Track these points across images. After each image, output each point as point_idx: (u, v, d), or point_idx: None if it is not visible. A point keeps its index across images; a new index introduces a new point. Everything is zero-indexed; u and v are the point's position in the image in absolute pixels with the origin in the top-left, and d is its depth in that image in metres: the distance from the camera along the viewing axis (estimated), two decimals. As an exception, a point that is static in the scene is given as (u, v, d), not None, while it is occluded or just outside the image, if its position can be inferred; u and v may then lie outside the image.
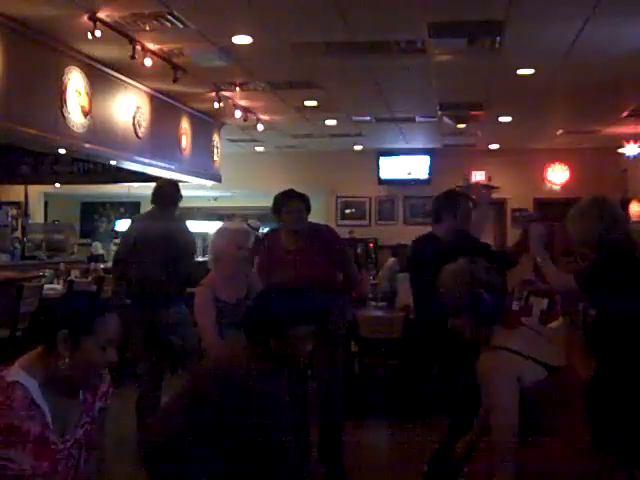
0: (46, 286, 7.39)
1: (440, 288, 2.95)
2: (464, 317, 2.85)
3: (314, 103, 9.55)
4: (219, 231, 4.15)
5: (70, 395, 2.11)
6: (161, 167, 9.21)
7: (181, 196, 5.51)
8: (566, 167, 13.72)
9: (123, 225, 13.36)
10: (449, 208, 4.26)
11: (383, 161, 14.07)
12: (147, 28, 6.34)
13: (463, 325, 2.86)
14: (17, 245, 10.29)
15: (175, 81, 7.60)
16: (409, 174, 13.99)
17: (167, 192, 5.46)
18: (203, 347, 4.03)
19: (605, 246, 3.55)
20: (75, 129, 6.98)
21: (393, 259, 8.69)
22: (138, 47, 6.65)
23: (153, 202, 5.44)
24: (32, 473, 1.97)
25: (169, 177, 9.99)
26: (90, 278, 8.15)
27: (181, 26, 6.29)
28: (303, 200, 4.52)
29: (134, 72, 7.76)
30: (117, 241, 8.47)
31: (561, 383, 2.71)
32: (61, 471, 2.07)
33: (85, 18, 5.97)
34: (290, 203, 4.47)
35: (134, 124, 8.37)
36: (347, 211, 14.42)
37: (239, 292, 3.98)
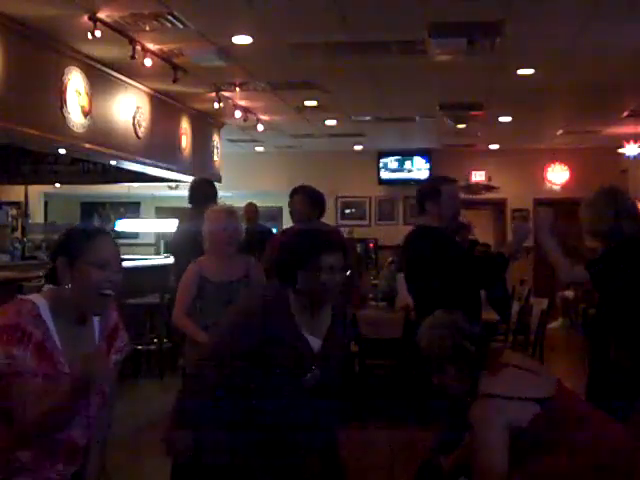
0: (46, 286, 7.38)
1: (420, 343, 2.87)
2: (447, 371, 2.80)
3: (314, 103, 9.55)
4: (207, 214, 4.25)
5: (79, 321, 2.21)
6: (161, 167, 9.21)
7: (215, 193, 5.48)
8: (566, 167, 13.72)
9: (123, 225, 13.38)
10: (432, 197, 4.15)
11: (383, 161, 14.07)
12: (147, 28, 6.34)
13: (447, 380, 2.81)
14: (17, 245, 10.28)
15: (175, 81, 7.60)
16: (409, 174, 13.99)
17: (199, 190, 5.42)
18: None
19: (616, 237, 3.55)
20: (75, 129, 6.97)
21: (393, 259, 8.68)
22: (138, 47, 6.65)
23: (189, 201, 5.43)
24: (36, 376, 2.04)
25: (170, 177, 10.02)
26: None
27: (181, 26, 6.29)
28: (309, 195, 4.64)
29: (134, 72, 7.76)
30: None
31: (553, 416, 2.66)
32: None
33: (85, 18, 5.96)
34: (293, 198, 4.58)
35: (134, 124, 8.37)
36: (347, 211, 14.42)
37: (229, 273, 4.06)
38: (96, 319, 2.25)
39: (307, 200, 4.80)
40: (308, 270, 2.62)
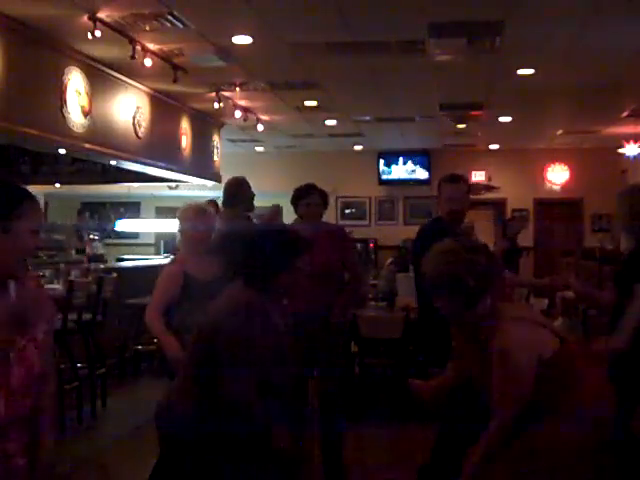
0: (46, 286, 7.39)
1: (424, 266, 2.76)
2: (444, 298, 2.69)
3: (314, 103, 9.55)
4: (178, 212, 4.24)
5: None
6: (161, 167, 9.21)
7: (247, 193, 5.26)
8: (566, 167, 13.72)
9: (123, 225, 13.38)
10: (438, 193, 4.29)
11: (383, 161, 14.08)
12: (147, 28, 6.34)
13: (443, 307, 2.71)
14: (17, 245, 10.25)
15: (175, 81, 7.60)
16: (409, 174, 14.00)
17: (230, 191, 5.31)
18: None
19: None
20: (75, 129, 6.97)
21: (392, 259, 8.69)
22: (138, 47, 6.65)
23: (223, 204, 5.33)
24: None
25: (170, 177, 10.03)
26: (90, 278, 8.14)
27: (181, 26, 6.29)
28: (321, 195, 4.60)
29: (134, 72, 7.76)
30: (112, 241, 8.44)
31: (572, 355, 2.67)
32: None
33: (85, 18, 5.96)
34: (310, 197, 4.54)
35: (134, 124, 8.37)
36: (347, 211, 14.43)
37: (212, 271, 4.00)
38: (11, 286, 2.15)
39: (322, 199, 4.76)
40: (290, 272, 2.71)
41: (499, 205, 13.83)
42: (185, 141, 9.94)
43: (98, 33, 5.99)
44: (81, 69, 7.07)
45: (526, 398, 2.57)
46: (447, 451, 3.81)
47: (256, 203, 5.24)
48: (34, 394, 2.15)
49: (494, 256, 3.39)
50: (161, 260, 9.50)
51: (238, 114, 9.56)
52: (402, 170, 14.05)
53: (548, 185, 13.79)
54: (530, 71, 7.80)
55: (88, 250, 11.36)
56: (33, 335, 2.14)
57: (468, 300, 2.65)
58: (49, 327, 2.23)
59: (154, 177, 9.69)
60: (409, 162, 14.04)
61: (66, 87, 6.80)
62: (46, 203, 13.64)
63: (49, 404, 2.27)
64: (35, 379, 2.14)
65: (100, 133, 7.51)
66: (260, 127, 10.54)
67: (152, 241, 14.06)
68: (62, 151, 7.65)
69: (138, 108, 8.46)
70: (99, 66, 7.43)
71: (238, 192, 5.25)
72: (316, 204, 4.57)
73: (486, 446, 2.62)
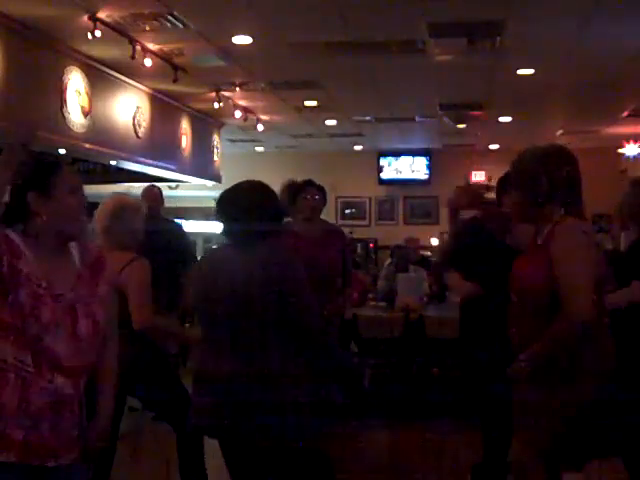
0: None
1: (519, 156, 2.97)
2: (513, 195, 2.89)
3: (314, 103, 9.55)
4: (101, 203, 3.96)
5: (57, 251, 2.26)
6: (161, 167, 9.21)
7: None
8: (566, 167, 13.70)
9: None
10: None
11: (383, 161, 14.07)
12: (147, 28, 6.34)
13: (510, 203, 2.90)
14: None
15: (175, 81, 7.60)
16: (409, 174, 13.99)
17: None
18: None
19: None
20: (75, 129, 6.98)
21: (391, 260, 8.68)
22: (138, 47, 6.65)
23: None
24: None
25: (170, 177, 10.03)
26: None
27: (181, 26, 6.29)
28: (321, 190, 4.56)
29: (134, 72, 7.76)
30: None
31: None
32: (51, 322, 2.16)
33: (85, 18, 5.96)
34: (309, 191, 4.49)
35: (134, 124, 8.37)
36: (347, 211, 14.42)
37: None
38: (75, 250, 2.32)
39: (322, 195, 4.70)
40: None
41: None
42: (185, 141, 9.94)
43: (98, 33, 5.99)
44: (81, 69, 7.07)
45: (593, 282, 2.60)
46: (497, 448, 3.82)
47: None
48: (98, 350, 2.31)
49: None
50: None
51: (238, 114, 9.56)
52: (402, 170, 14.04)
53: (548, 185, 13.78)
54: (530, 71, 7.79)
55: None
56: (96, 292, 2.30)
57: (536, 199, 2.76)
58: (109, 288, 2.41)
59: (154, 177, 9.69)
60: (409, 162, 14.04)
61: (66, 87, 6.80)
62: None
63: (111, 369, 2.44)
64: (99, 334, 2.29)
65: (100, 133, 7.51)
66: (260, 127, 10.53)
67: (152, 241, 14.03)
68: (62, 151, 7.64)
69: (138, 108, 8.46)
70: (99, 66, 7.43)
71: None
72: (316, 198, 4.53)
73: (556, 333, 2.58)
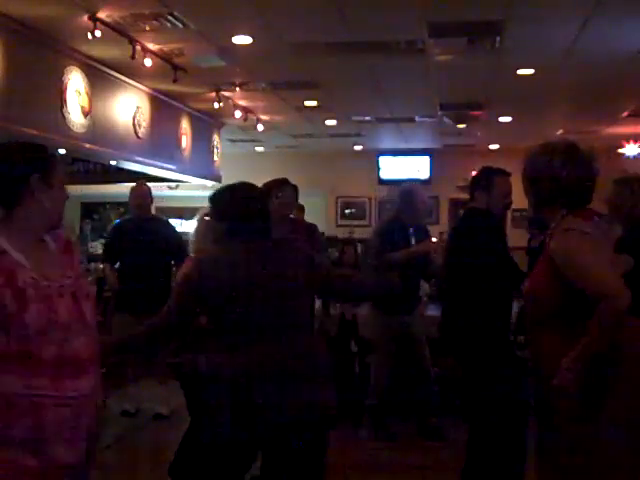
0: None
1: (529, 156, 2.87)
2: (529, 195, 2.83)
3: (314, 103, 9.55)
4: None
5: (38, 238, 2.27)
6: (161, 167, 9.21)
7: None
8: (566, 167, 13.70)
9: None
10: (483, 186, 4.19)
11: (383, 161, 14.07)
12: (147, 28, 6.34)
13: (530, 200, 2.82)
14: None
15: (175, 81, 7.60)
16: (409, 174, 13.99)
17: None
18: None
19: (629, 220, 3.80)
20: (75, 129, 6.97)
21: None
22: (138, 47, 6.65)
23: None
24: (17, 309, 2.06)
25: (170, 177, 10.02)
26: (90, 278, 8.14)
27: (181, 26, 6.28)
28: (295, 189, 4.59)
29: (134, 72, 7.76)
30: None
31: None
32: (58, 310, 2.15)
33: (85, 18, 5.96)
34: (284, 189, 4.50)
35: (134, 124, 8.37)
36: (347, 211, 14.42)
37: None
38: (46, 237, 2.32)
39: (295, 195, 4.73)
40: None
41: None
42: (185, 141, 9.94)
43: (98, 33, 5.99)
44: (81, 69, 7.07)
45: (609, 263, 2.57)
46: (482, 451, 3.82)
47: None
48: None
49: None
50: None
51: (238, 114, 9.56)
52: (402, 170, 14.04)
53: (548, 185, 13.79)
54: (530, 71, 7.79)
55: (88, 250, 11.37)
56: (78, 274, 2.32)
57: (539, 200, 2.77)
58: (81, 273, 2.40)
59: (154, 177, 9.69)
60: (409, 162, 14.04)
61: (66, 87, 6.80)
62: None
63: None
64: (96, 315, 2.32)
65: (100, 133, 7.51)
66: (260, 127, 10.53)
67: (152, 241, 14.03)
68: (62, 151, 7.63)
69: (138, 108, 8.46)
70: (99, 66, 7.43)
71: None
72: (291, 196, 4.54)
73: (603, 321, 2.47)
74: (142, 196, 6.14)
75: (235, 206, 2.89)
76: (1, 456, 2.05)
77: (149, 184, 6.41)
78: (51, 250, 2.29)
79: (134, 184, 6.34)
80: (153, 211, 6.78)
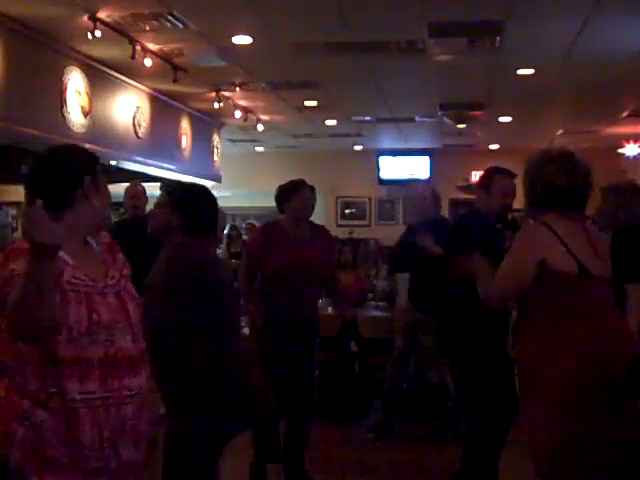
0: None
1: (529, 162, 3.08)
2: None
3: (314, 103, 9.55)
4: None
5: (84, 240, 2.28)
6: (161, 167, 9.21)
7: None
8: (566, 167, 13.70)
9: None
10: (483, 185, 4.14)
11: (383, 161, 14.07)
12: (147, 28, 6.34)
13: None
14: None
15: (175, 81, 7.61)
16: (409, 174, 13.99)
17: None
18: None
19: (613, 224, 3.85)
20: (75, 129, 6.98)
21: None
22: (138, 47, 6.65)
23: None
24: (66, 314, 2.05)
25: (170, 177, 10.01)
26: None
27: (181, 26, 6.29)
28: (313, 191, 4.60)
29: (134, 72, 7.76)
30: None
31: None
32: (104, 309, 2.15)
33: (85, 18, 5.96)
34: (302, 191, 4.51)
35: (134, 124, 8.37)
36: (347, 211, 14.43)
37: None
38: (92, 239, 2.33)
39: (313, 196, 4.73)
40: None
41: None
42: (185, 141, 9.94)
43: (98, 33, 5.99)
44: (81, 69, 7.07)
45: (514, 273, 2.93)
46: (477, 454, 3.82)
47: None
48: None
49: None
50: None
51: (238, 114, 9.56)
52: (402, 170, 14.04)
53: (548, 185, 13.78)
54: (530, 71, 7.80)
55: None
56: (122, 274, 2.31)
57: (532, 202, 3.01)
58: (127, 273, 2.39)
59: (154, 177, 9.68)
60: (409, 162, 14.03)
61: (66, 87, 6.81)
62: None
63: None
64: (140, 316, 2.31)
65: (100, 133, 7.51)
66: (260, 127, 10.54)
67: (152, 241, 14.02)
68: (62, 151, 7.65)
69: (138, 108, 8.47)
70: (99, 66, 7.43)
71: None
72: (309, 198, 4.57)
73: None
74: (137, 196, 6.13)
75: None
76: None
77: (149, 184, 6.40)
78: (95, 250, 2.31)
79: (128, 184, 6.33)
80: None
